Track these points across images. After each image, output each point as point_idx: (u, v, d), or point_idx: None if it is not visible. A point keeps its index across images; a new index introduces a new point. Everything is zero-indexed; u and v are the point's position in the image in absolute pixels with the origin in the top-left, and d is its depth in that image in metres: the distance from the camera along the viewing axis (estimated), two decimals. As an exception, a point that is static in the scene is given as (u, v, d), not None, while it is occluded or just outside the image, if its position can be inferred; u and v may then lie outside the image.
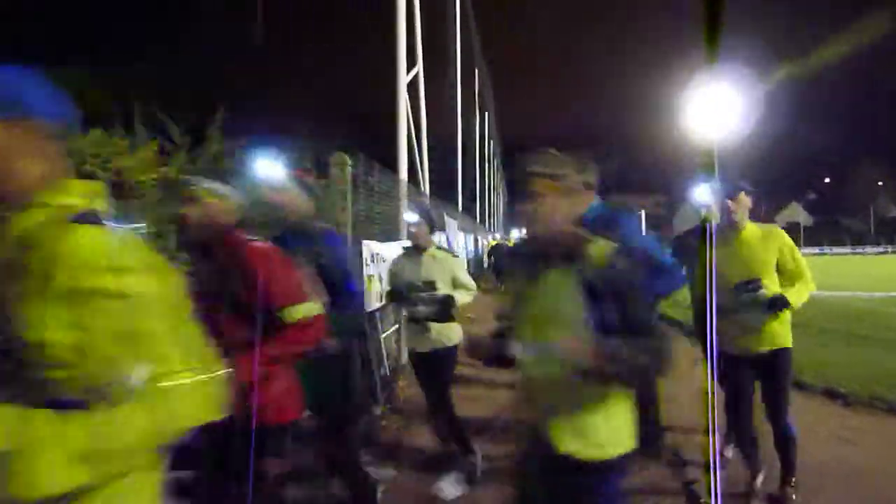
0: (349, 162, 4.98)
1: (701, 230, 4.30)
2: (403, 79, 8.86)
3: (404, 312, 5.90)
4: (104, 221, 1.38)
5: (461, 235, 14.77)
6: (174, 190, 12.66)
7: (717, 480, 3.95)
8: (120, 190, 10.72)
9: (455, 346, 4.62)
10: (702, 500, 4.21)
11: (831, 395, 6.68)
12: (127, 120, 12.73)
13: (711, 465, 4.28)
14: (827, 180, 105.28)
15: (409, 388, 7.37)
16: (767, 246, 4.08)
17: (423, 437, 5.66)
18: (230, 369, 1.55)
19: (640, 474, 4.50)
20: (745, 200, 4.07)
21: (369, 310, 6.03)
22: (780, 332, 3.99)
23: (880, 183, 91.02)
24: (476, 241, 18.31)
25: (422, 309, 4.41)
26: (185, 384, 1.31)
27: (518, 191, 2.17)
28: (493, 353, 2.28)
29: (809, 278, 4.08)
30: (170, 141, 13.98)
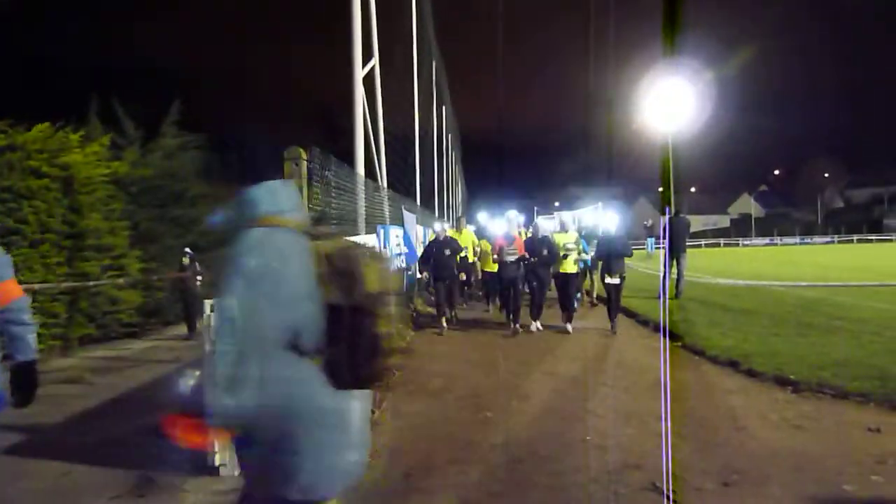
0: (304, 156, 4.91)
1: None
2: (359, 72, 8.77)
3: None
4: None
5: (420, 229, 14.72)
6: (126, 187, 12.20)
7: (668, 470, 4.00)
8: (69, 186, 10.45)
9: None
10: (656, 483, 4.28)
11: (781, 381, 6.85)
12: (79, 112, 12.43)
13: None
14: (777, 173, 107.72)
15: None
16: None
17: (383, 432, 5.65)
18: None
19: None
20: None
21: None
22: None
23: (827, 175, 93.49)
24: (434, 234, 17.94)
25: None
26: None
27: None
28: None
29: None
30: (122, 135, 13.66)
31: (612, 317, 10.88)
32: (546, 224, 14.50)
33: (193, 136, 14.57)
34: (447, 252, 11.63)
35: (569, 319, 11.13)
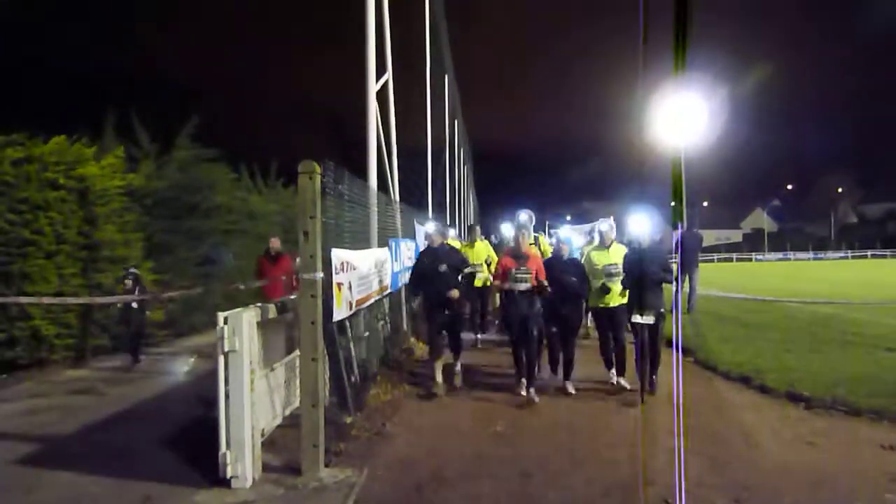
0: (318, 170, 4.96)
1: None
2: (373, 87, 8.85)
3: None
4: None
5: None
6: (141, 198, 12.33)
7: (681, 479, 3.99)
8: (85, 198, 10.56)
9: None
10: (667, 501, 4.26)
11: (794, 398, 6.81)
12: (95, 124, 12.59)
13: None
14: (790, 187, 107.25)
15: (381, 395, 7.36)
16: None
17: (394, 445, 5.66)
18: None
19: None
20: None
21: (339, 318, 6.01)
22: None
23: (840, 190, 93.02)
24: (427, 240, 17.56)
25: None
26: None
27: None
28: None
29: None
30: (138, 147, 13.83)
31: (651, 371, 7.33)
32: (575, 237, 10.48)
33: (208, 149, 14.71)
34: (442, 268, 7.80)
35: (620, 372, 7.79)
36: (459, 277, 8.06)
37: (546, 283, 7.31)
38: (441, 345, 7.94)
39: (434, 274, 7.81)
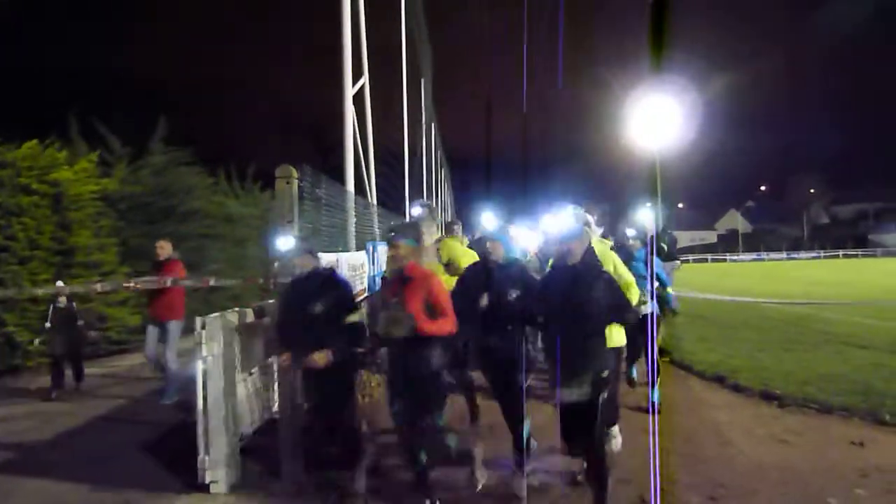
0: (295, 174, 4.97)
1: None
2: (349, 90, 8.86)
3: None
4: None
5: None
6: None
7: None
8: (59, 203, 10.43)
9: None
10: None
11: (767, 396, 6.93)
12: (63, 130, 12.43)
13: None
14: (763, 189, 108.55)
15: (361, 397, 7.35)
16: None
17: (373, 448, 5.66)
18: None
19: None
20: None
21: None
22: None
23: (812, 191, 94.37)
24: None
25: None
26: None
27: None
28: None
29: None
30: (110, 152, 13.67)
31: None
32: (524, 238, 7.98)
33: (182, 153, 14.59)
34: (316, 309, 4.50)
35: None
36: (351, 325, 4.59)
37: (447, 322, 4.05)
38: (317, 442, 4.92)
39: (301, 320, 4.54)
